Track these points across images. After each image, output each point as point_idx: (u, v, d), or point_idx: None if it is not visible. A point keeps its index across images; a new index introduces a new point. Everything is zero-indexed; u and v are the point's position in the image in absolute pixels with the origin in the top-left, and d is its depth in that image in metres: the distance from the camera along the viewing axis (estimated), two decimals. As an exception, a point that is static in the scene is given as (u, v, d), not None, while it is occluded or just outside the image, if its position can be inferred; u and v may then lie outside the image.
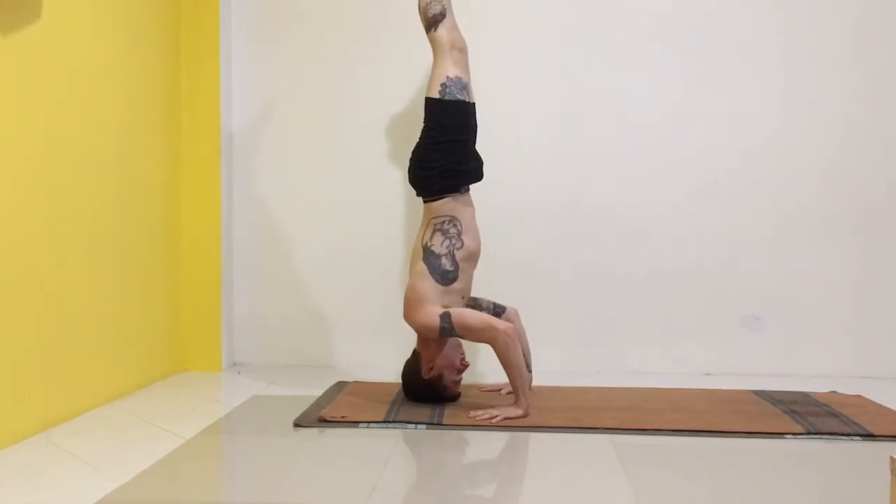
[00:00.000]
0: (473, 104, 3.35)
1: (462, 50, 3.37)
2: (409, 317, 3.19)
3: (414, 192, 3.40)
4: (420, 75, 4.14)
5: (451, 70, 3.31)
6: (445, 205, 3.26)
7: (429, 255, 3.22)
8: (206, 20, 3.97)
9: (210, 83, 3.98)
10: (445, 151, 3.27)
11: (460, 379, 3.27)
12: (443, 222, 3.25)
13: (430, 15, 3.37)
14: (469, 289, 3.31)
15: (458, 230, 3.24)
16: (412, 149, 3.37)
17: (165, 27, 3.81)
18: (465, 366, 3.27)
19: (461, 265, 3.23)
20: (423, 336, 3.20)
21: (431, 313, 3.12)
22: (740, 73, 4.05)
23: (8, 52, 2.64)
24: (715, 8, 4.06)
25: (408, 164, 3.38)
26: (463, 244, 3.24)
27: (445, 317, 3.09)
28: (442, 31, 3.36)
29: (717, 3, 4.06)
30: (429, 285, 3.17)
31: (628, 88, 4.08)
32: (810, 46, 4.03)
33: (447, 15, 3.38)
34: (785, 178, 4.04)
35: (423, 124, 3.36)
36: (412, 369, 3.24)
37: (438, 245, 3.22)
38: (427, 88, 3.37)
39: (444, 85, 3.29)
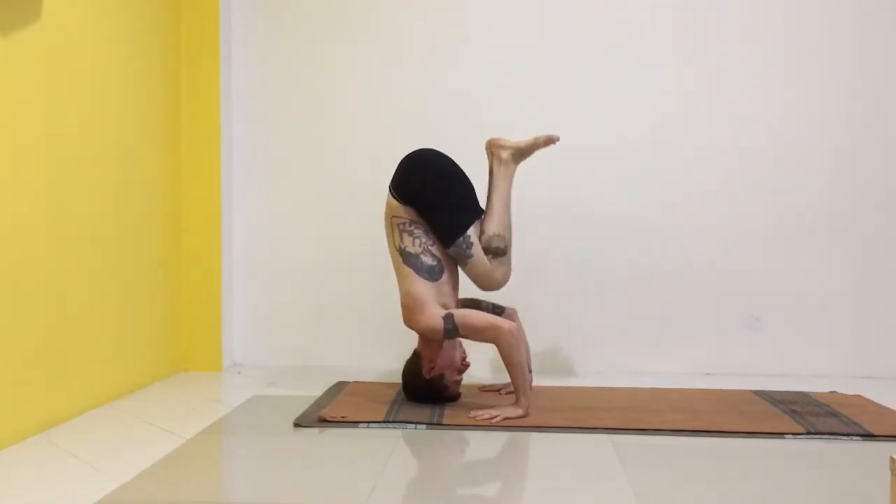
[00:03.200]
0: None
1: (498, 279, 3.32)
2: (410, 321, 3.17)
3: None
4: (420, 76, 4.14)
5: (482, 259, 3.25)
6: (409, 210, 3.25)
7: (407, 256, 3.21)
8: (207, 20, 3.97)
9: (210, 83, 3.98)
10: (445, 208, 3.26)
11: (461, 379, 3.27)
12: (404, 223, 3.25)
13: (492, 247, 3.28)
14: (458, 279, 3.31)
15: (422, 230, 3.24)
16: (422, 157, 3.31)
17: (165, 27, 3.81)
18: (467, 365, 3.26)
19: (441, 257, 3.23)
20: (426, 338, 3.20)
21: (433, 315, 3.11)
22: (741, 74, 4.05)
23: (8, 52, 2.64)
24: (716, 8, 4.06)
25: (410, 164, 3.31)
26: (434, 240, 3.24)
27: (448, 318, 3.09)
28: (496, 263, 3.29)
29: (718, 4, 4.06)
30: (421, 286, 3.16)
31: (628, 88, 4.08)
32: (811, 47, 4.03)
33: (507, 253, 3.32)
34: (785, 179, 4.04)
35: (454, 178, 3.30)
36: (412, 370, 3.24)
37: (411, 245, 3.22)
38: (488, 215, 3.33)
39: (470, 243, 3.23)
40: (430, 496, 2.32)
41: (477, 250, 3.25)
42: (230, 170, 4.13)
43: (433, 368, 3.19)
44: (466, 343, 3.26)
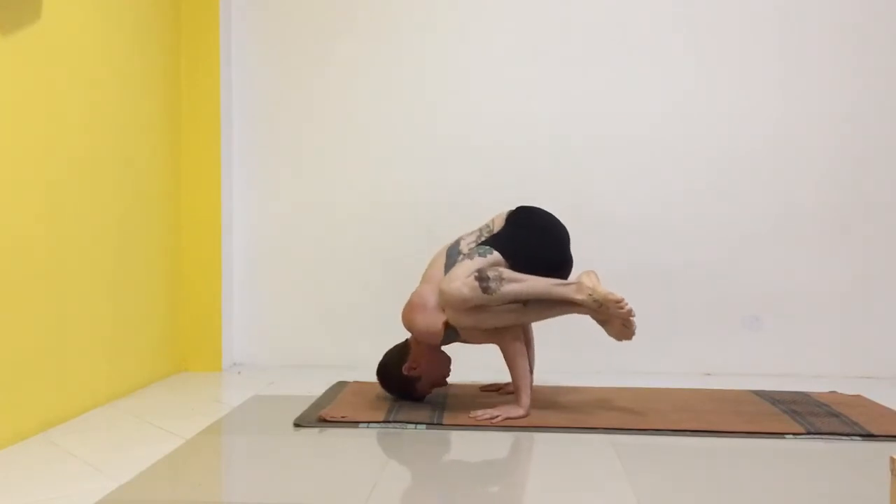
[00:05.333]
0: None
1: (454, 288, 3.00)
2: (409, 320, 3.13)
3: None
4: (422, 76, 4.14)
5: (464, 268, 3.02)
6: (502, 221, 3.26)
7: (452, 249, 3.21)
8: (206, 21, 3.97)
9: (210, 83, 3.98)
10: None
11: (432, 391, 3.27)
12: (483, 227, 3.27)
13: (483, 272, 3.00)
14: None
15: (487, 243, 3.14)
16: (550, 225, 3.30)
17: (165, 27, 3.81)
18: (444, 384, 3.27)
19: None
20: (422, 341, 3.17)
21: (435, 318, 3.07)
22: (741, 73, 4.05)
23: (8, 52, 2.64)
24: (716, 7, 4.06)
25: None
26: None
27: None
28: (474, 289, 2.97)
29: (717, 4, 4.06)
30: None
31: (628, 88, 4.08)
32: (811, 45, 4.03)
33: (487, 293, 2.96)
34: (785, 178, 4.04)
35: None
36: (393, 358, 3.23)
37: (465, 242, 3.22)
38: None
39: (482, 254, 3.05)
40: (430, 496, 2.32)
41: (472, 262, 3.02)
42: (230, 170, 4.13)
43: (414, 369, 3.18)
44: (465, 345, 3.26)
